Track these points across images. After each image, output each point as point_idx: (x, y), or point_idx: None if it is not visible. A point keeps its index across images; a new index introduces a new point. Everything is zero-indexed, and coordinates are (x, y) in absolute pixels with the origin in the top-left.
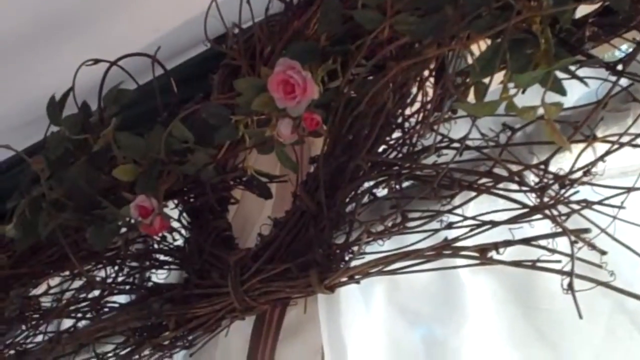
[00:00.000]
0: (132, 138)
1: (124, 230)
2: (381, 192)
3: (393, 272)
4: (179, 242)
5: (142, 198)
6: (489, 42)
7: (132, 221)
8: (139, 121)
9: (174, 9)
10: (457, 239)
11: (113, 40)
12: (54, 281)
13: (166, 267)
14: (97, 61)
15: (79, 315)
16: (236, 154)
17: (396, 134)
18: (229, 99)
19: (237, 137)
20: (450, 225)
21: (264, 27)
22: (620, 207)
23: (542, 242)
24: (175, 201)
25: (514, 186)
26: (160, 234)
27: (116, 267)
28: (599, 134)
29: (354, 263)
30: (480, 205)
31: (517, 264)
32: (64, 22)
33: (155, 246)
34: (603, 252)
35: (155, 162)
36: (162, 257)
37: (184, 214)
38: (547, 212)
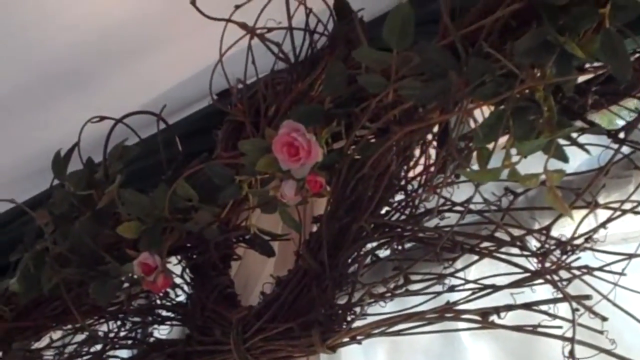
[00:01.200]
0: (137, 195)
1: (126, 285)
2: (384, 253)
3: (395, 333)
4: (182, 298)
5: (145, 255)
6: (492, 107)
7: (135, 277)
8: (142, 177)
9: (179, 63)
10: (458, 302)
11: (117, 95)
12: (57, 334)
13: (168, 322)
14: (102, 118)
15: None
16: (239, 213)
17: (399, 196)
18: (233, 157)
19: (241, 196)
20: (452, 288)
21: (269, 85)
22: (621, 274)
23: (544, 308)
24: (178, 257)
25: (516, 250)
26: (163, 291)
27: (119, 322)
28: (601, 200)
29: (356, 324)
30: (482, 269)
31: (518, 328)
32: (68, 78)
33: (158, 302)
34: (604, 319)
35: (159, 219)
36: (164, 313)
37: (187, 270)
38: (548, 277)
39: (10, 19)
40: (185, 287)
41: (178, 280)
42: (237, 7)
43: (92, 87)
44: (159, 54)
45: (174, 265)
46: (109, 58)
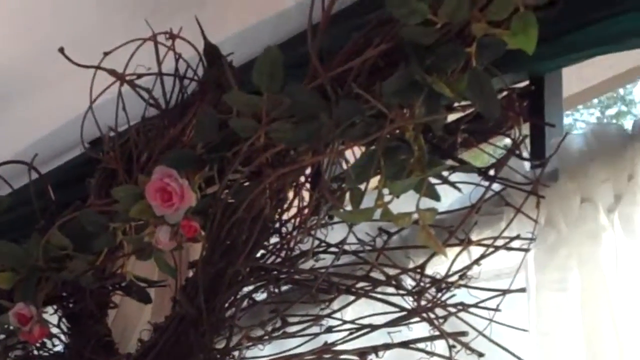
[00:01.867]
0: (10, 246)
1: (2, 337)
2: (261, 296)
3: None
4: (59, 347)
5: (20, 306)
6: (363, 148)
7: (11, 328)
8: (15, 227)
9: (50, 112)
10: (336, 343)
11: None
12: None
13: None
14: None
15: None
16: (115, 260)
17: (274, 239)
18: (107, 205)
19: (116, 243)
20: (329, 329)
21: (140, 131)
22: (496, 310)
23: (421, 345)
24: (55, 306)
25: (392, 290)
26: (39, 341)
27: None
28: (474, 237)
29: None
30: (359, 309)
31: None
32: None
33: (35, 352)
34: (481, 355)
35: (34, 269)
36: None
37: (64, 320)
38: (424, 315)
39: None
40: (63, 337)
41: (55, 330)
42: (106, 54)
43: None
44: (29, 102)
45: (51, 314)
46: None
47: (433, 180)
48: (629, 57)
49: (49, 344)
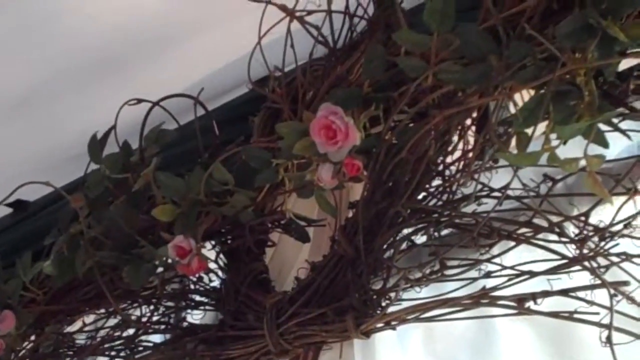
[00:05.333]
0: (172, 178)
1: (160, 269)
2: (420, 239)
3: (430, 319)
4: (216, 283)
5: (180, 238)
6: (532, 92)
7: (170, 261)
8: (179, 162)
9: (217, 51)
10: (495, 288)
11: (156, 81)
12: (89, 319)
13: (202, 307)
14: (139, 101)
15: (113, 353)
16: (275, 197)
17: (436, 182)
18: (270, 142)
19: (277, 180)
20: (488, 274)
21: (307, 70)
22: None
23: (581, 294)
24: (213, 242)
25: (554, 237)
26: (197, 275)
27: (152, 307)
28: None
29: (390, 309)
30: (519, 255)
31: (554, 315)
32: (108, 65)
33: (192, 286)
34: None
35: (195, 203)
36: (198, 298)
37: (221, 256)
38: (586, 263)
39: (46, 4)
40: (220, 272)
41: (212, 266)
42: None
43: (129, 73)
44: (196, 41)
45: (209, 250)
46: (146, 45)
47: (602, 127)
48: None
49: (205, 279)
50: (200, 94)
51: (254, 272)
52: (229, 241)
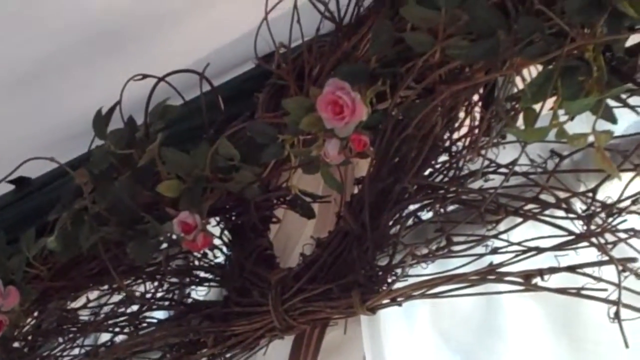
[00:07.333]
0: (177, 154)
1: (165, 245)
2: (426, 215)
3: (436, 295)
4: (220, 259)
5: (185, 214)
6: (540, 67)
7: (174, 237)
8: (185, 137)
9: (223, 26)
10: (501, 265)
11: (161, 57)
12: (93, 295)
13: (206, 284)
14: (144, 76)
15: (117, 329)
16: (280, 173)
17: (443, 158)
18: (276, 117)
19: (284, 156)
20: (495, 251)
21: (313, 47)
22: None
23: (588, 270)
24: (217, 218)
25: (561, 213)
26: (201, 251)
27: (156, 283)
28: None
29: (396, 285)
30: (526, 231)
31: (562, 291)
32: (114, 40)
33: (196, 263)
34: None
35: (200, 178)
36: (202, 274)
37: (226, 232)
38: (593, 240)
39: None
40: (224, 249)
41: (217, 242)
42: None
43: (135, 49)
44: (201, 16)
45: (213, 226)
46: (152, 20)
47: (610, 102)
48: None
49: (210, 256)
50: (206, 70)
51: (258, 248)
52: (233, 217)
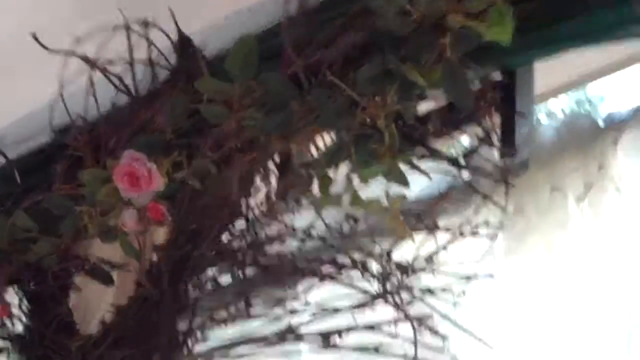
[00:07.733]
0: None
1: None
2: (226, 279)
3: (238, 356)
4: (20, 328)
5: None
6: (334, 136)
7: None
8: None
9: (20, 99)
10: (300, 325)
11: None
12: None
13: (5, 353)
14: None
15: None
16: (80, 242)
17: (241, 223)
18: (73, 189)
19: (81, 226)
20: (294, 311)
21: (109, 118)
22: (461, 294)
23: (387, 328)
24: (15, 287)
25: (358, 274)
26: (0, 320)
27: None
28: (441, 224)
29: (198, 348)
30: (324, 292)
31: (361, 349)
32: None
33: None
34: (445, 337)
35: None
36: (1, 344)
37: (24, 301)
38: (390, 299)
39: None
40: (23, 318)
41: (15, 312)
42: (78, 39)
43: None
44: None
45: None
46: None
47: (403, 168)
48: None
49: (9, 325)
50: (3, 141)
51: (58, 316)
52: (31, 286)
